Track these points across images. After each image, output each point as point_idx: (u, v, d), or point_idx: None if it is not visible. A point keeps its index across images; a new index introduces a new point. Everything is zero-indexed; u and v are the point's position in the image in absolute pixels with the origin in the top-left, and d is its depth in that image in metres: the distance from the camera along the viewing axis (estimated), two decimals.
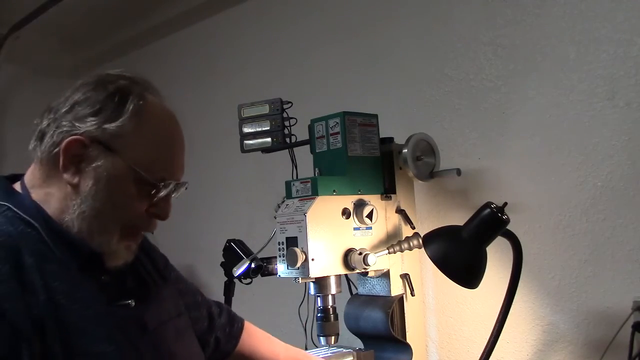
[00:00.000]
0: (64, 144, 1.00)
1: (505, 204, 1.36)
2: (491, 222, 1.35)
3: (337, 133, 1.49)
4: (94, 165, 1.01)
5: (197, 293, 1.44)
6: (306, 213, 1.37)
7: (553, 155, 1.57)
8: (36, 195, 1.04)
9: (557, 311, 1.56)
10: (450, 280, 1.36)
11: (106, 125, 1.01)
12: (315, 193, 1.42)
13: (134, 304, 1.07)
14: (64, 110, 1.03)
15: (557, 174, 1.56)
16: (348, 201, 1.46)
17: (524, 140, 1.63)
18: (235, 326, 1.42)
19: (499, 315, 1.39)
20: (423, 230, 1.49)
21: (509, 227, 1.36)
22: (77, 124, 1.01)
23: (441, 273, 1.36)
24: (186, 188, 1.10)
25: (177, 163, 1.09)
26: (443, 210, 1.77)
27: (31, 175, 1.07)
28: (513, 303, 1.39)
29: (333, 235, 1.42)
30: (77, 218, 1.01)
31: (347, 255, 1.43)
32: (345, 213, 1.45)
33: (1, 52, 2.97)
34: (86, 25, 3.05)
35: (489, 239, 1.37)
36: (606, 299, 1.47)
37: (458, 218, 1.50)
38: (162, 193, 1.05)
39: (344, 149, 1.48)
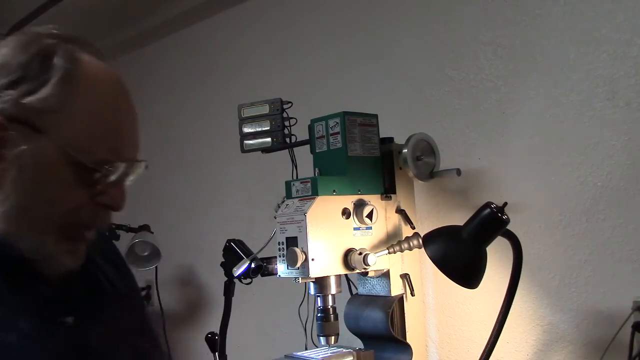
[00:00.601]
0: None
1: (505, 204, 1.36)
2: (491, 222, 1.34)
3: (337, 133, 1.49)
4: (16, 151, 0.79)
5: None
6: (306, 213, 1.37)
7: (553, 155, 1.57)
8: None
9: (557, 311, 1.56)
10: (450, 280, 1.36)
11: (27, 99, 0.79)
12: (315, 193, 1.42)
13: (73, 321, 0.84)
14: None
15: (557, 174, 1.56)
16: (348, 201, 1.46)
17: (524, 140, 1.63)
18: None
19: (499, 315, 1.39)
20: (423, 230, 1.49)
21: (509, 227, 1.36)
22: None
23: (441, 273, 1.36)
24: (146, 167, 0.89)
25: (125, 139, 0.86)
26: (443, 210, 1.77)
27: None
28: (513, 303, 1.39)
29: (333, 235, 1.42)
30: (2, 217, 0.81)
31: (347, 255, 1.43)
32: (345, 213, 1.45)
33: None
34: (86, 25, 3.04)
35: (489, 239, 1.37)
36: (606, 299, 1.47)
37: (458, 218, 1.50)
38: (110, 178, 0.84)
39: (344, 149, 1.48)
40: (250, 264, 1.65)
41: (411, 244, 1.49)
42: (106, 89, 0.85)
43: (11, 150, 0.80)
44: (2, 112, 0.79)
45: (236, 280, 1.77)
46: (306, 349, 1.74)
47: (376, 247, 1.48)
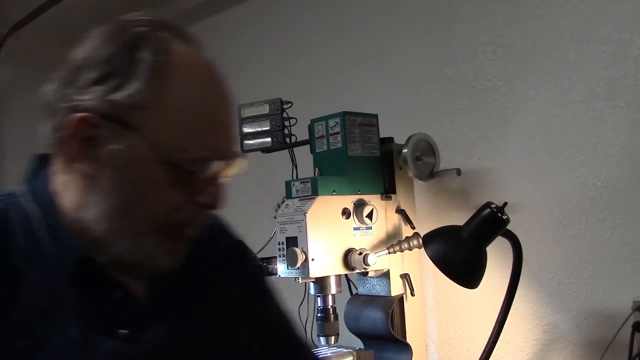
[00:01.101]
0: (67, 124, 0.75)
1: (505, 204, 1.36)
2: (491, 222, 1.34)
3: (337, 133, 1.49)
4: (109, 149, 0.75)
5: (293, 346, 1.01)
6: (306, 213, 1.37)
7: (553, 155, 1.57)
8: (57, 181, 0.81)
9: (557, 311, 1.56)
10: (450, 280, 1.36)
11: (115, 95, 0.74)
12: (315, 193, 1.42)
13: (126, 334, 0.78)
14: (66, 75, 0.78)
15: (557, 174, 1.56)
16: (348, 201, 1.46)
17: (524, 140, 1.63)
18: None
19: (499, 315, 1.39)
20: (423, 230, 1.49)
21: (509, 227, 1.36)
22: (81, 96, 0.75)
23: (441, 273, 1.36)
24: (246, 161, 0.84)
25: (220, 133, 0.80)
26: (443, 210, 1.77)
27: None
28: (513, 303, 1.39)
29: (333, 235, 1.42)
30: (98, 219, 0.76)
31: (347, 255, 1.43)
32: (345, 213, 1.45)
33: (1, 52, 2.97)
34: (86, 26, 3.04)
35: (489, 239, 1.37)
36: (606, 299, 1.47)
37: (458, 218, 1.50)
38: (206, 175, 0.78)
39: (344, 149, 1.48)
40: None
41: (411, 244, 1.49)
42: (199, 81, 0.79)
43: (104, 150, 0.75)
44: (92, 109, 0.74)
45: None
46: None
47: (376, 247, 1.48)
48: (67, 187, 0.79)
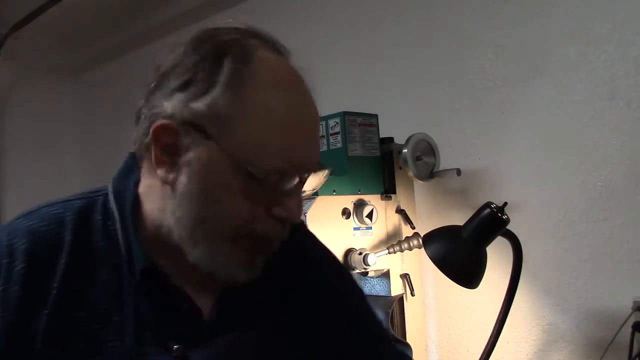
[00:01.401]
0: (151, 130, 0.74)
1: (505, 204, 1.36)
2: (491, 222, 1.34)
3: (337, 133, 1.49)
4: (188, 157, 0.74)
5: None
6: (306, 213, 1.37)
7: (553, 155, 1.57)
8: (142, 184, 0.81)
9: (557, 311, 1.56)
10: (450, 280, 1.36)
11: (195, 103, 0.73)
12: (315, 193, 1.42)
13: (177, 350, 0.75)
14: (154, 83, 0.78)
15: (557, 174, 1.56)
16: (348, 201, 1.46)
17: (524, 140, 1.63)
18: None
19: (499, 315, 1.39)
20: (423, 230, 1.49)
21: (509, 227, 1.36)
22: (165, 103, 0.75)
23: (441, 273, 1.36)
24: (330, 173, 0.83)
25: (302, 146, 0.77)
26: (443, 210, 1.77)
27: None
28: (513, 303, 1.39)
29: (333, 235, 1.42)
30: (176, 224, 0.76)
31: (347, 255, 1.43)
32: (345, 213, 1.45)
33: (1, 52, 2.97)
34: (86, 25, 3.04)
35: (489, 239, 1.36)
36: (606, 299, 1.47)
37: (458, 218, 1.50)
38: (284, 187, 0.75)
39: (344, 149, 1.48)
40: None
41: (411, 244, 1.49)
42: (282, 90, 0.76)
43: (184, 157, 0.74)
44: (174, 116, 0.74)
45: None
46: None
47: (376, 247, 1.48)
48: (150, 192, 0.79)
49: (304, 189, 0.79)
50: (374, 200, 1.49)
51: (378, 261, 1.45)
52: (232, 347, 0.78)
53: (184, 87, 0.74)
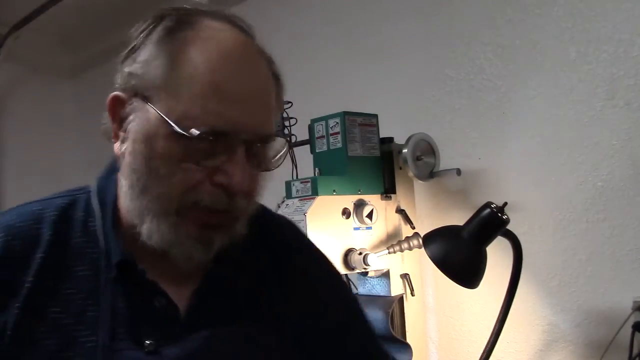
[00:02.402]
0: (106, 106, 0.75)
1: (505, 204, 1.36)
2: (491, 222, 1.34)
3: (337, 133, 1.49)
4: (130, 125, 0.73)
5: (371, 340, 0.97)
6: (306, 213, 1.37)
7: (553, 155, 1.57)
8: (120, 180, 0.79)
9: (557, 311, 1.56)
10: (450, 280, 1.36)
11: (131, 67, 0.73)
12: (315, 193, 1.42)
13: (151, 346, 0.73)
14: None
15: (557, 174, 1.56)
16: (348, 201, 1.46)
17: (524, 140, 1.63)
18: None
19: (499, 315, 1.39)
20: (423, 230, 1.49)
21: (509, 227, 1.36)
22: (117, 75, 0.76)
23: (441, 273, 1.36)
24: (288, 146, 0.80)
25: (240, 108, 0.72)
26: (443, 210, 1.77)
27: None
28: (513, 303, 1.39)
29: (333, 235, 1.42)
30: (126, 200, 0.75)
31: (347, 255, 1.43)
32: (345, 213, 1.45)
33: (1, 52, 2.97)
34: (86, 25, 3.04)
35: (489, 239, 1.36)
36: (606, 299, 1.47)
37: (458, 218, 1.50)
38: (219, 150, 0.71)
39: (344, 149, 1.48)
40: None
41: (411, 244, 1.49)
42: (220, 56, 0.73)
43: (128, 125, 0.73)
44: (121, 85, 0.75)
45: None
46: None
47: (376, 247, 1.48)
48: (121, 177, 0.78)
49: (259, 164, 0.76)
50: (374, 200, 1.49)
51: (378, 261, 1.45)
52: (205, 342, 0.76)
53: (128, 55, 0.75)
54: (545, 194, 1.58)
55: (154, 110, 0.71)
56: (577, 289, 1.52)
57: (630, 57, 1.44)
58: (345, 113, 1.49)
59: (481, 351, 1.42)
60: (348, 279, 1.72)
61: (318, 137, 1.54)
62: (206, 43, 0.72)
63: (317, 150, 1.54)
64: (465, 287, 1.38)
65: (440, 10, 1.83)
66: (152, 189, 0.72)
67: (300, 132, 1.67)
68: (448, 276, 1.36)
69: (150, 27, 0.75)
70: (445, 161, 1.65)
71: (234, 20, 0.78)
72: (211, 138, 0.70)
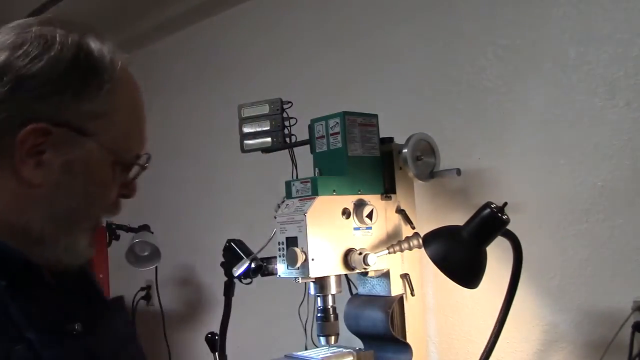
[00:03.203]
0: (19, 135, 0.76)
1: (505, 204, 1.36)
2: (491, 222, 1.35)
3: (337, 133, 1.49)
4: (63, 156, 0.79)
5: None
6: (306, 213, 1.37)
7: (553, 155, 1.57)
8: None
9: (557, 311, 1.56)
10: (450, 280, 1.36)
11: (77, 106, 0.79)
12: (315, 193, 1.42)
13: (81, 329, 0.81)
14: (7, 88, 0.77)
15: (557, 174, 1.56)
16: (348, 201, 1.46)
17: (524, 140, 1.63)
18: None
19: (499, 315, 1.39)
20: (423, 230, 1.49)
21: (509, 227, 1.36)
22: (33, 106, 0.77)
23: (441, 273, 1.36)
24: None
25: (145, 133, 0.89)
26: (443, 210, 1.77)
27: None
28: (513, 303, 1.39)
29: (333, 235, 1.42)
30: (41, 221, 0.80)
31: (347, 255, 1.43)
32: (345, 213, 1.45)
33: None
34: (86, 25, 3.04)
35: (489, 239, 1.37)
36: (606, 299, 1.47)
37: (458, 218, 1.50)
38: (140, 172, 0.88)
39: (344, 149, 1.48)
40: (250, 264, 1.65)
41: (411, 244, 1.49)
42: (135, 89, 0.88)
43: (57, 155, 0.79)
44: (49, 118, 0.78)
45: (236, 280, 1.77)
46: (306, 349, 1.73)
47: (376, 247, 1.48)
48: None
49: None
50: (374, 200, 1.49)
51: (378, 261, 1.45)
52: (115, 322, 0.94)
53: (59, 91, 0.78)
54: (545, 194, 1.58)
55: (96, 144, 0.81)
56: (577, 289, 1.52)
57: (630, 57, 1.44)
58: (345, 113, 1.49)
59: (481, 351, 1.42)
60: (348, 279, 1.72)
61: (318, 137, 1.54)
62: (128, 84, 0.87)
63: (317, 150, 1.54)
64: (465, 287, 1.39)
65: (440, 11, 1.83)
66: (81, 211, 0.83)
67: (300, 132, 1.67)
68: (448, 276, 1.36)
69: (87, 68, 0.81)
70: (445, 161, 1.65)
71: (102, 34, 0.87)
72: (139, 162, 0.86)
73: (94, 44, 0.83)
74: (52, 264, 0.83)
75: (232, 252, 1.76)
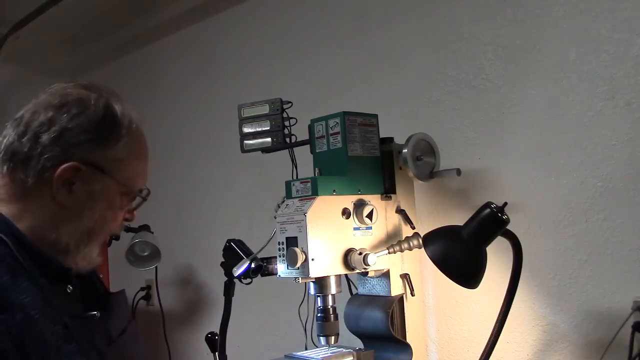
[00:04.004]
0: (59, 170, 1.04)
1: (505, 204, 1.36)
2: (491, 222, 1.35)
3: (337, 133, 1.49)
4: (88, 187, 1.07)
5: None
6: (306, 213, 1.37)
7: (553, 155, 1.57)
8: (7, 210, 1.06)
9: (557, 311, 1.56)
10: (450, 280, 1.36)
11: (103, 152, 1.08)
12: (315, 193, 1.42)
13: (99, 315, 1.09)
14: (52, 136, 1.04)
15: (557, 174, 1.56)
16: (348, 201, 1.46)
17: (524, 140, 1.63)
18: None
19: (499, 315, 1.39)
20: (423, 230, 1.49)
21: (509, 227, 1.36)
22: (71, 150, 1.05)
23: (441, 273, 1.36)
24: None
25: (147, 173, 1.18)
26: (443, 210, 1.77)
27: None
28: (513, 303, 1.39)
29: (333, 235, 1.42)
30: (68, 235, 1.07)
31: (347, 255, 1.43)
32: (345, 213, 1.45)
33: (1, 52, 2.97)
34: (86, 25, 3.05)
35: (489, 239, 1.37)
36: (606, 299, 1.47)
37: (458, 218, 1.50)
38: (140, 202, 1.17)
39: (344, 149, 1.48)
40: (250, 264, 1.65)
41: (411, 244, 1.49)
42: (142, 137, 1.16)
43: (83, 187, 1.06)
44: (81, 159, 1.05)
45: (236, 280, 1.77)
46: (306, 349, 1.73)
47: (376, 247, 1.48)
48: (24, 213, 1.06)
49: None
50: (374, 200, 1.49)
51: (378, 261, 1.45)
52: (119, 307, 1.22)
53: (90, 140, 1.06)
54: (545, 194, 1.58)
55: (114, 181, 1.09)
56: (577, 289, 1.52)
57: (630, 57, 1.44)
58: (345, 113, 1.49)
59: (481, 351, 1.42)
60: (348, 279, 1.72)
61: (318, 137, 1.54)
62: (138, 133, 1.14)
63: (317, 150, 1.54)
64: (465, 287, 1.39)
65: (440, 11, 1.83)
66: (97, 230, 1.10)
67: (300, 132, 1.67)
68: (448, 276, 1.36)
69: (111, 123, 1.09)
70: (445, 161, 1.65)
71: (121, 97, 1.15)
72: (142, 194, 1.17)
73: (117, 107, 1.11)
74: (72, 268, 1.10)
75: (232, 252, 1.76)
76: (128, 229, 2.57)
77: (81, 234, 1.08)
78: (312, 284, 1.46)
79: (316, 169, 1.52)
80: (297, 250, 1.36)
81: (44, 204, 1.06)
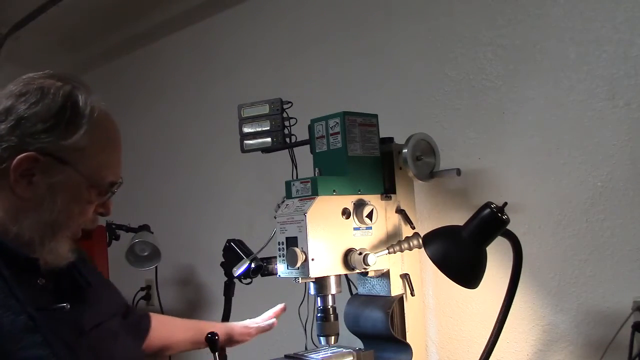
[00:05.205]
0: (15, 161, 1.01)
1: (505, 204, 1.36)
2: (491, 222, 1.34)
3: (337, 133, 1.49)
4: (48, 179, 1.04)
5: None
6: (306, 213, 1.37)
7: (553, 155, 1.57)
8: None
9: (557, 311, 1.56)
10: (450, 280, 1.36)
11: (61, 142, 1.04)
12: (315, 193, 1.42)
13: (69, 307, 1.07)
14: (9, 125, 1.02)
15: (557, 174, 1.56)
16: (348, 201, 1.46)
17: (524, 140, 1.63)
18: (142, 325, 1.47)
19: (499, 315, 1.39)
20: (423, 230, 1.49)
21: (509, 227, 1.36)
22: (27, 140, 1.02)
23: (441, 273, 1.36)
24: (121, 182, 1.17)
25: (119, 163, 1.14)
26: (443, 210, 1.77)
27: None
28: (513, 303, 1.39)
29: (333, 235, 1.42)
30: (30, 228, 1.04)
31: (347, 255, 1.43)
32: (345, 213, 1.45)
33: (1, 52, 2.97)
34: (86, 25, 3.04)
35: (489, 239, 1.37)
36: (606, 299, 1.47)
37: (458, 218, 1.50)
38: (113, 194, 1.13)
39: (344, 149, 1.48)
40: (250, 264, 1.66)
41: (411, 244, 1.49)
42: (110, 127, 1.12)
43: (43, 178, 1.03)
44: (39, 149, 1.02)
45: (236, 280, 1.77)
46: (306, 349, 1.74)
47: (376, 247, 1.48)
48: None
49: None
50: (374, 200, 1.49)
51: (378, 261, 1.45)
52: (99, 302, 1.20)
53: (48, 129, 1.03)
54: (545, 194, 1.58)
55: (75, 171, 1.05)
56: (577, 289, 1.52)
57: (630, 57, 1.44)
58: (345, 113, 1.49)
59: (481, 351, 1.42)
60: (348, 279, 1.72)
61: (318, 137, 1.54)
62: (104, 123, 1.10)
63: (317, 150, 1.54)
64: (465, 287, 1.38)
65: (440, 11, 1.83)
66: (61, 223, 1.06)
67: (300, 132, 1.67)
68: (448, 276, 1.36)
69: (71, 111, 1.05)
70: (445, 161, 1.65)
71: (87, 86, 1.12)
72: (112, 187, 1.12)
73: (81, 96, 1.07)
74: (38, 259, 1.06)
75: (232, 252, 1.76)
76: (128, 229, 2.57)
77: (44, 228, 1.04)
78: (312, 284, 1.46)
79: (316, 169, 1.52)
80: (297, 250, 1.36)
81: (4, 196, 1.04)
